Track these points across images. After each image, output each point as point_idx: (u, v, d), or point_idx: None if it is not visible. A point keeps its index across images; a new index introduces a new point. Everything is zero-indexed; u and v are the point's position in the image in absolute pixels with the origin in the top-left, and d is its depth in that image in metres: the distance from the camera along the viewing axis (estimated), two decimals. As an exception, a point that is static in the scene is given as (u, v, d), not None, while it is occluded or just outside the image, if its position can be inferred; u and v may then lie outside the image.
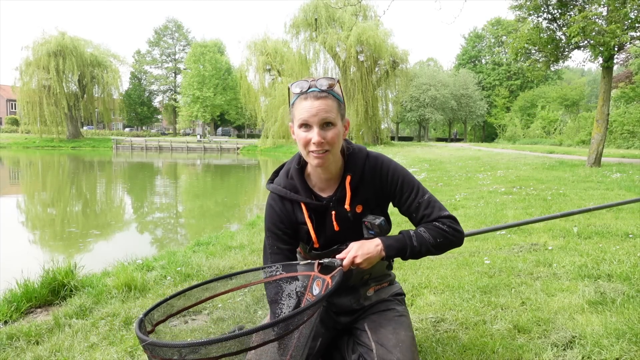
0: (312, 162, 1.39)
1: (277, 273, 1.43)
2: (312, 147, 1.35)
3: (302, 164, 1.51)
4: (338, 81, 1.38)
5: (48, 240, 7.40)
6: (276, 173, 1.59)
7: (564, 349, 1.94)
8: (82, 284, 3.06)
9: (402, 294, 1.71)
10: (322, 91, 1.34)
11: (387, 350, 1.41)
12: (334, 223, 1.48)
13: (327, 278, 1.31)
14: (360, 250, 1.35)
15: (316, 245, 1.50)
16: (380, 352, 1.42)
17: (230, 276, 1.40)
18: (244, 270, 1.44)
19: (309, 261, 1.40)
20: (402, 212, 1.53)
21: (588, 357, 1.87)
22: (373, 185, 1.50)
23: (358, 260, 1.34)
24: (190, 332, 2.34)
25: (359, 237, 1.47)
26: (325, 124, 1.34)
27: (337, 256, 1.37)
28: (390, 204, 1.57)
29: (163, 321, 1.22)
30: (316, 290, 1.35)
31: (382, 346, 1.43)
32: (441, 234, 1.43)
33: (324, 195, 1.50)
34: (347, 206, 1.46)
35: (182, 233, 8.21)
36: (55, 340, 2.26)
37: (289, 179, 1.51)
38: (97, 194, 14.51)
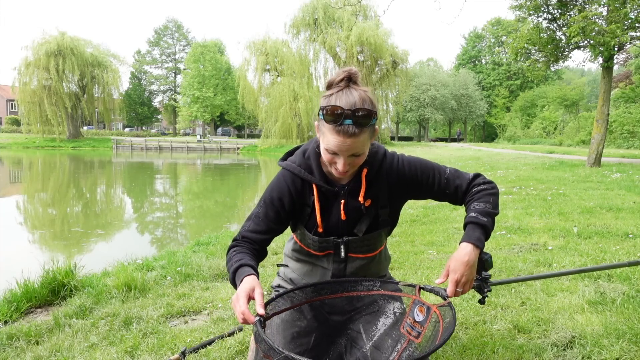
0: (333, 172, 1.38)
1: (374, 289, 1.42)
2: (336, 169, 1.35)
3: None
4: (373, 109, 1.29)
5: (48, 241, 7.39)
6: (290, 153, 1.57)
7: (564, 349, 1.94)
8: (82, 284, 3.06)
9: None
10: (357, 125, 1.26)
11: (381, 352, 1.41)
12: (342, 212, 1.47)
13: (434, 308, 1.26)
14: (459, 272, 1.29)
15: (320, 230, 1.48)
16: (375, 355, 1.41)
17: (326, 283, 1.44)
18: (341, 280, 1.46)
19: (410, 283, 1.39)
20: (434, 194, 1.53)
21: (588, 357, 1.87)
22: (388, 181, 1.49)
23: (462, 287, 1.30)
24: (190, 331, 2.34)
25: (360, 229, 1.49)
26: (354, 155, 1.32)
27: (437, 281, 1.32)
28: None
29: (270, 317, 1.26)
30: (419, 316, 1.30)
31: (377, 349, 1.43)
32: (486, 193, 1.47)
33: (336, 183, 1.49)
34: (361, 198, 1.45)
35: (182, 233, 8.21)
36: (55, 340, 2.26)
37: (305, 158, 1.49)
38: (97, 194, 14.50)
